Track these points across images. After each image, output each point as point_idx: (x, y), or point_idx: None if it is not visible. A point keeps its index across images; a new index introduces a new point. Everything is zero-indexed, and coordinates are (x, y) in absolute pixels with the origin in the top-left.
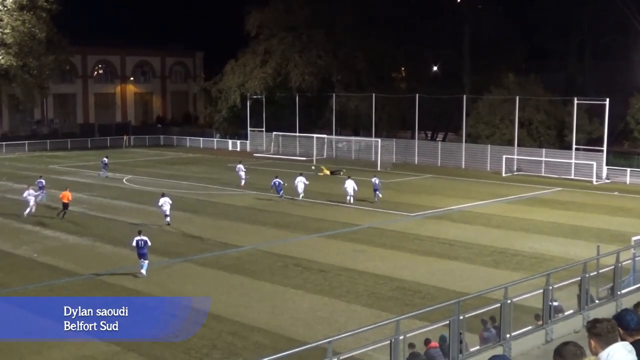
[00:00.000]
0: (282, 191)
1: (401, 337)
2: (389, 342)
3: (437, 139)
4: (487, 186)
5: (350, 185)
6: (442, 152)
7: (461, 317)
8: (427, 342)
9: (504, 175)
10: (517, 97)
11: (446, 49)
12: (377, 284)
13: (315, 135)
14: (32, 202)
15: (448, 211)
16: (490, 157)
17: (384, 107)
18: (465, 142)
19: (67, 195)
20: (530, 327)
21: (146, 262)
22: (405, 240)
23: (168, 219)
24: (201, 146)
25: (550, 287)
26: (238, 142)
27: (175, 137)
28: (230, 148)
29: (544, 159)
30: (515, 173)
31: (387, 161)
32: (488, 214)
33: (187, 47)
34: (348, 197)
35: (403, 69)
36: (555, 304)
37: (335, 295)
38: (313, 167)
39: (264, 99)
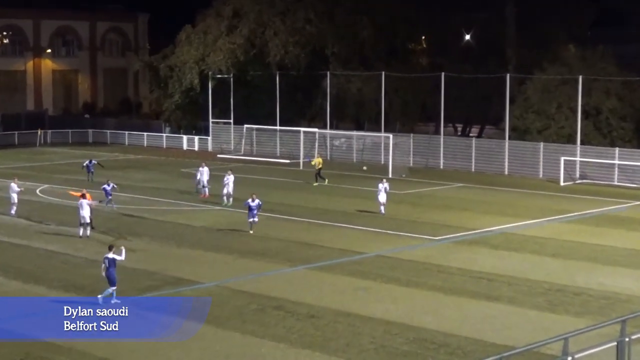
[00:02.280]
0: (254, 215)
1: None
2: None
3: (471, 135)
4: (539, 199)
5: (383, 191)
6: (478, 153)
7: None
8: None
9: (562, 184)
10: (581, 77)
11: (483, 12)
12: (388, 334)
13: (302, 130)
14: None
15: (485, 234)
16: (543, 160)
17: (396, 90)
18: (510, 138)
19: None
20: None
21: (112, 288)
22: (427, 274)
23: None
24: (145, 144)
25: (627, 339)
26: (196, 138)
27: (109, 131)
28: (185, 147)
29: (617, 161)
30: (577, 182)
31: (402, 165)
32: (541, 237)
33: (127, 8)
34: (381, 207)
35: (423, 38)
36: None
37: (331, 350)
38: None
39: (231, 80)
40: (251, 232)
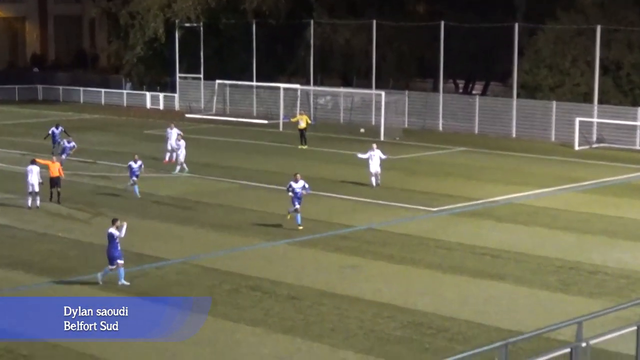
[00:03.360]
0: (299, 201)
1: None
2: None
3: (474, 92)
4: (551, 165)
5: (377, 159)
6: (482, 113)
7: None
8: None
9: (577, 148)
10: (599, 27)
11: None
12: (378, 317)
13: (282, 86)
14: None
15: (490, 204)
16: (556, 121)
17: (390, 41)
18: (518, 96)
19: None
20: None
21: (117, 266)
22: (423, 250)
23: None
24: (103, 102)
25: None
26: (161, 96)
27: (61, 87)
28: (148, 105)
29: (639, 123)
30: (594, 145)
31: (396, 126)
32: (552, 208)
33: None
34: (372, 178)
35: None
36: None
37: (314, 335)
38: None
39: (201, 29)
40: (300, 227)
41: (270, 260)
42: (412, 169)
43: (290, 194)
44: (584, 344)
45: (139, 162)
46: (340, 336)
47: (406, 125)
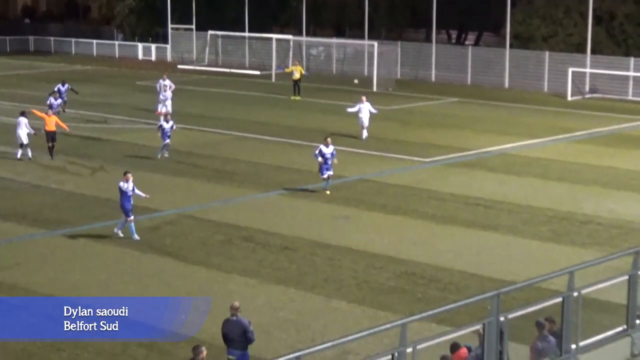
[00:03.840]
0: (329, 166)
1: (409, 350)
2: (390, 356)
3: (467, 43)
4: (543, 116)
5: (366, 112)
6: (475, 63)
7: (502, 319)
8: (454, 348)
9: (569, 99)
10: None
11: None
12: (371, 268)
13: (274, 37)
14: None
15: (483, 155)
16: (548, 71)
17: None
18: (511, 47)
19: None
20: (610, 333)
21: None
22: (416, 201)
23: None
24: (95, 53)
25: None
26: (153, 47)
27: (53, 39)
28: (140, 56)
29: (632, 73)
30: (587, 96)
31: (388, 77)
32: (545, 159)
33: None
34: (363, 131)
35: None
36: None
37: (307, 285)
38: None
39: None
40: (328, 192)
41: (263, 211)
42: (405, 119)
43: (319, 159)
44: (575, 294)
45: (171, 122)
46: (333, 286)
47: (399, 76)
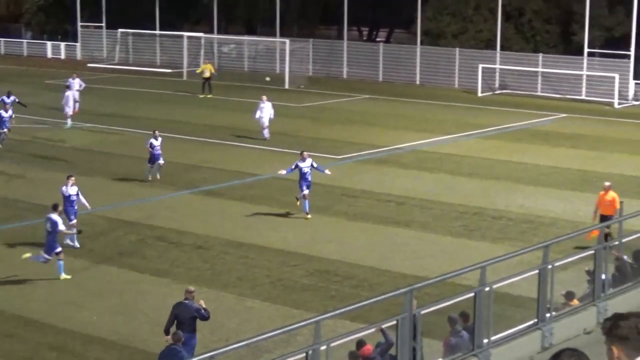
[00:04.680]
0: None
1: (323, 347)
2: (304, 354)
3: (378, 40)
4: (454, 112)
5: (267, 111)
6: (386, 60)
7: (415, 314)
8: (359, 345)
9: (480, 95)
10: None
11: None
12: (285, 266)
13: (186, 34)
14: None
15: (394, 151)
16: (459, 68)
17: None
18: (422, 43)
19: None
20: (521, 327)
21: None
22: (329, 198)
23: None
24: (2, 52)
25: (550, 266)
26: (62, 45)
27: None
28: (49, 55)
29: (540, 69)
30: (497, 92)
31: (300, 74)
32: (456, 155)
33: None
34: (264, 131)
35: None
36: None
37: (221, 284)
38: (268, 79)
39: None
40: (308, 216)
41: (176, 210)
42: (317, 117)
43: (287, 173)
44: (487, 288)
45: (160, 139)
46: (247, 285)
47: (311, 73)
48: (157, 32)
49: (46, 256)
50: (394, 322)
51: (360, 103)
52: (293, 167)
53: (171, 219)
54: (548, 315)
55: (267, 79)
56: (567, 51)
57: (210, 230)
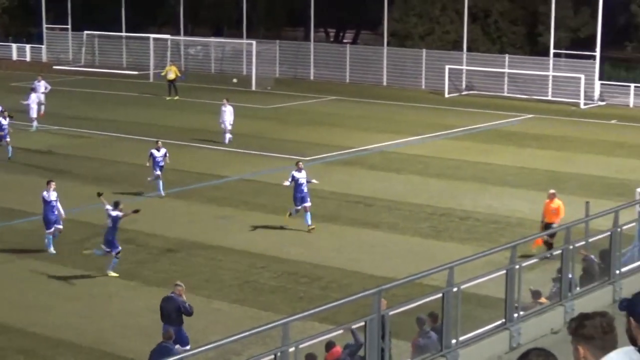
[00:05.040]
0: (306, 197)
1: (291, 349)
2: (273, 356)
3: (345, 41)
4: (421, 113)
5: (228, 116)
6: (353, 61)
7: (384, 315)
8: (329, 346)
9: (447, 96)
10: None
11: None
12: (253, 268)
13: (152, 36)
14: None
15: (362, 153)
16: (426, 69)
17: None
18: (388, 45)
19: None
20: (489, 327)
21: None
22: None
23: None
24: None
25: (517, 266)
26: (27, 47)
27: None
28: (15, 57)
29: (507, 70)
30: (464, 93)
31: (267, 76)
32: (423, 156)
33: None
34: (226, 134)
35: None
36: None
37: (189, 287)
38: (234, 81)
39: None
40: (312, 228)
41: (144, 212)
42: (284, 118)
43: (287, 183)
44: (455, 289)
45: (163, 150)
46: (214, 287)
47: (277, 75)
48: (124, 34)
49: (105, 249)
50: (363, 323)
51: (328, 104)
52: (290, 179)
53: (139, 221)
54: (516, 315)
55: (234, 80)
56: (533, 52)
57: (178, 232)
